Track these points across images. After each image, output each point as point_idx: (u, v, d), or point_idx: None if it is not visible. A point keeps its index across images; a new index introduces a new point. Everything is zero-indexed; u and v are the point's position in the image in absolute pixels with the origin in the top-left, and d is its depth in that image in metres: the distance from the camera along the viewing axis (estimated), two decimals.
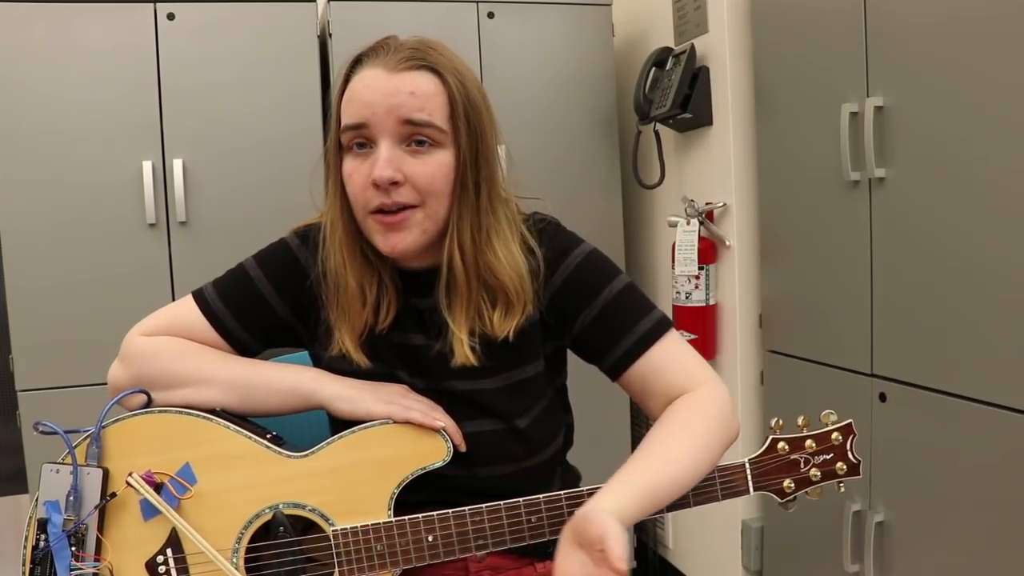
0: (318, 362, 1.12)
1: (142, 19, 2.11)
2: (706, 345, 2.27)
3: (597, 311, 1.07)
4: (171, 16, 2.12)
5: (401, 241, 1.00)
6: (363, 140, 0.99)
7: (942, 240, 1.60)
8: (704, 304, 2.26)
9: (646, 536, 2.76)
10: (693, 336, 2.26)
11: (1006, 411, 1.48)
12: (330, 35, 2.24)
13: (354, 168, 1.00)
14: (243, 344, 1.11)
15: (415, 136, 0.98)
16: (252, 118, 2.19)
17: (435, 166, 0.99)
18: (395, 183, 0.98)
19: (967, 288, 1.55)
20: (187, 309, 1.11)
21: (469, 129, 1.01)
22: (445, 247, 1.03)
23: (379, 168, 0.97)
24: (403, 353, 1.09)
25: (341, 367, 1.07)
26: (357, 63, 1.02)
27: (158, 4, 2.12)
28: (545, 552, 1.07)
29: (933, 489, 1.66)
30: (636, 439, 2.67)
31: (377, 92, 0.97)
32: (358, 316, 1.05)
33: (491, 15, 2.35)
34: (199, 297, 1.12)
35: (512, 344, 1.06)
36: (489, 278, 1.03)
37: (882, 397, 1.77)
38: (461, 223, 1.02)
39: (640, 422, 2.69)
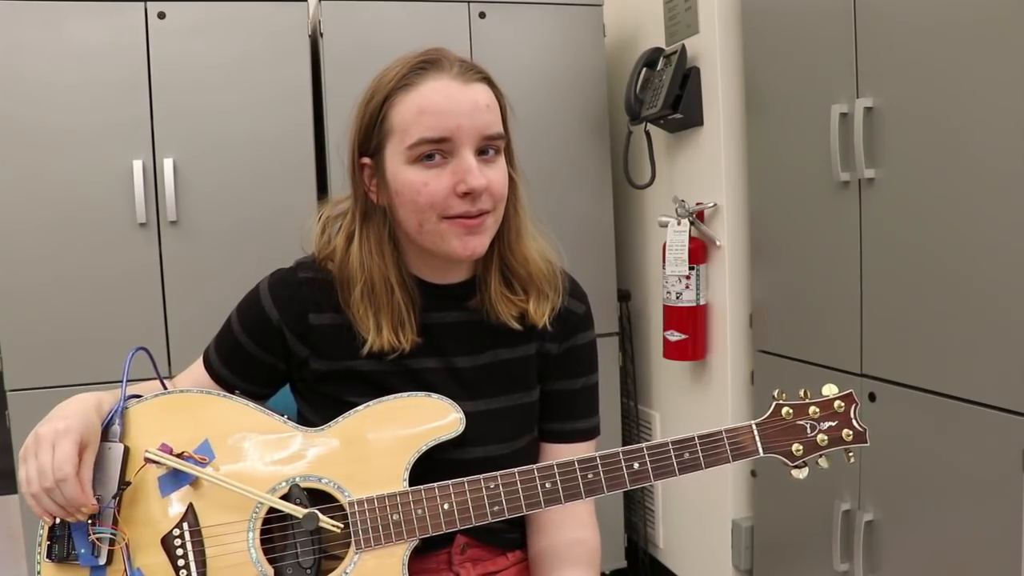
0: (320, 380, 1.12)
1: (133, 18, 2.10)
2: (696, 345, 2.28)
3: (577, 387, 1.19)
4: (162, 15, 2.12)
5: (480, 244, 1.05)
6: (436, 151, 1.01)
7: (931, 240, 1.61)
8: (695, 304, 2.27)
9: (636, 535, 2.77)
10: (684, 336, 2.27)
11: (995, 411, 1.50)
12: (321, 34, 2.24)
13: (430, 178, 1.01)
14: (256, 394, 1.15)
15: (487, 146, 1.03)
16: (243, 117, 2.19)
17: (503, 173, 1.06)
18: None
19: (956, 288, 1.56)
20: (200, 373, 1.17)
21: (508, 134, 1.09)
22: (499, 244, 1.10)
23: (476, 178, 1.00)
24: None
25: (371, 366, 1.09)
26: (413, 73, 1.02)
27: (149, 3, 2.11)
28: (515, 543, 1.20)
29: (922, 488, 1.67)
30: (628, 439, 2.68)
31: (460, 104, 1.00)
32: (389, 306, 1.07)
33: (483, 15, 2.35)
34: (207, 363, 1.16)
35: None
36: (531, 268, 1.12)
37: (871, 397, 1.78)
38: (510, 221, 1.11)
39: (631, 423, 2.70)
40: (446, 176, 1.00)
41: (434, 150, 1.00)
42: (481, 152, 1.02)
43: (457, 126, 0.99)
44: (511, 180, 1.09)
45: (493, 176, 1.03)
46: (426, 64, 1.02)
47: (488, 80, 1.05)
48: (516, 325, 1.12)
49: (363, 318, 1.07)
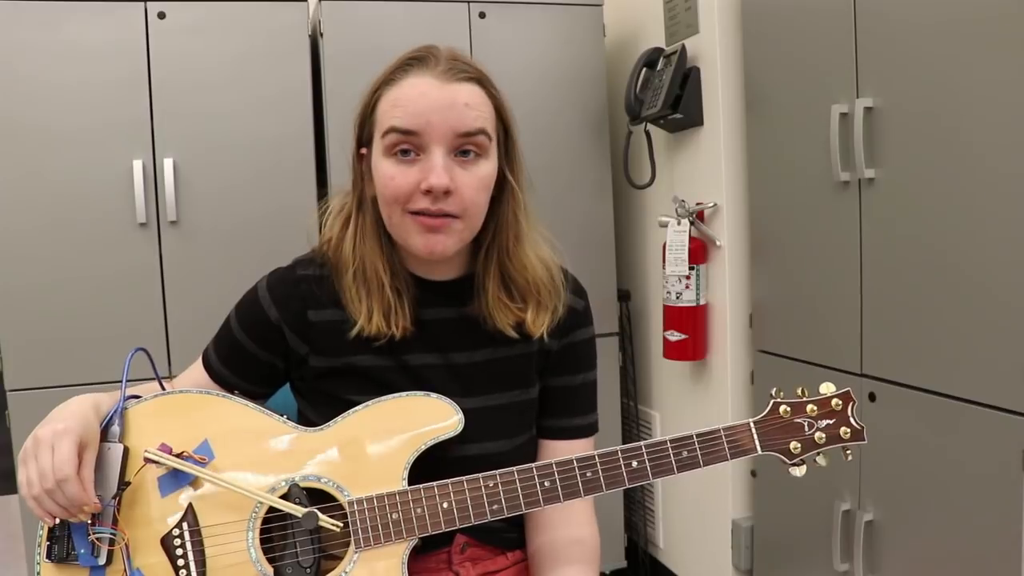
0: (320, 378, 1.12)
1: (133, 17, 2.10)
2: (696, 345, 2.28)
3: (577, 383, 1.20)
4: (162, 15, 2.12)
5: (440, 244, 1.03)
6: (409, 146, 1.01)
7: (931, 241, 1.61)
8: (695, 304, 2.27)
9: (637, 536, 2.77)
10: (684, 336, 2.27)
11: (994, 411, 1.50)
12: (321, 34, 2.24)
13: (398, 172, 1.01)
14: (255, 394, 1.15)
15: (464, 147, 1.01)
16: (243, 117, 2.19)
17: (480, 178, 1.03)
18: (447, 192, 1.00)
19: (956, 288, 1.56)
20: (200, 374, 1.17)
21: (507, 137, 1.08)
22: (483, 252, 1.10)
23: (437, 176, 0.99)
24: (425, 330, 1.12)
25: (369, 362, 1.09)
26: (400, 69, 1.03)
27: (149, 3, 2.11)
28: (514, 543, 1.19)
29: (922, 488, 1.67)
30: (628, 439, 2.68)
31: (433, 101, 0.99)
32: (380, 292, 1.07)
33: (483, 15, 2.35)
34: (206, 363, 1.16)
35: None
36: (529, 276, 1.11)
37: (871, 397, 1.78)
38: (500, 227, 1.09)
39: (631, 423, 2.70)
40: (414, 173, 1.00)
41: (403, 142, 1.00)
42: (462, 153, 1.01)
43: (427, 122, 0.99)
44: (509, 185, 1.08)
45: (464, 180, 1.01)
46: (413, 61, 1.03)
47: (479, 80, 1.04)
48: (513, 334, 1.11)
49: (354, 300, 1.07)
